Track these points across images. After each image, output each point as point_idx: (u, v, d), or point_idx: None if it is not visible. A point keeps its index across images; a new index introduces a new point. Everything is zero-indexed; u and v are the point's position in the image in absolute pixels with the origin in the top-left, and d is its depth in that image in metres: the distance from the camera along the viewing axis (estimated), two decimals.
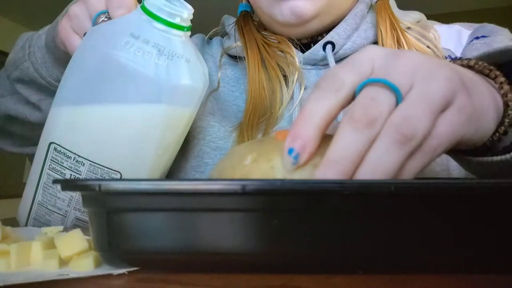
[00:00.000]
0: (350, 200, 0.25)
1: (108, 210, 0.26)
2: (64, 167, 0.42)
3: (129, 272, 0.27)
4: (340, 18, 0.59)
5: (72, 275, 0.26)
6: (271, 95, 0.56)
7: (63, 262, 0.29)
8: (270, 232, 0.25)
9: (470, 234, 0.25)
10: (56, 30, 0.50)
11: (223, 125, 0.59)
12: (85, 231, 0.30)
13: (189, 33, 0.45)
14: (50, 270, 0.28)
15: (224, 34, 0.69)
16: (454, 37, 0.62)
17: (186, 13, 0.43)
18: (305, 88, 0.57)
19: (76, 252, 0.29)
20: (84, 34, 0.45)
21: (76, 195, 0.43)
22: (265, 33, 0.62)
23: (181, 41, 0.43)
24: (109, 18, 0.44)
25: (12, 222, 0.45)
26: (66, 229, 0.39)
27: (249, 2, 0.64)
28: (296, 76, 0.56)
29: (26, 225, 0.45)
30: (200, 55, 0.47)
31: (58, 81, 0.49)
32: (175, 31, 0.42)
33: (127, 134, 0.41)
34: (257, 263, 0.26)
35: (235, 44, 0.62)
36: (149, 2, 0.42)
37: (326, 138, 0.29)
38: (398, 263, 0.26)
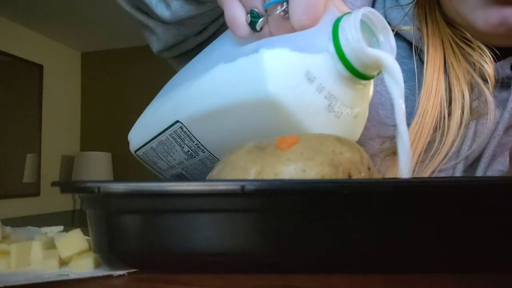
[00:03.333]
0: (350, 200, 0.25)
1: (107, 212, 0.26)
2: (185, 144, 0.39)
3: (128, 272, 0.27)
4: None
5: (72, 276, 0.26)
6: (444, 118, 0.43)
7: (63, 262, 0.29)
8: (270, 232, 0.25)
9: (471, 233, 0.25)
10: None
11: (365, 126, 0.46)
12: (85, 231, 0.30)
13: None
14: (50, 270, 0.28)
15: None
16: None
17: (388, 62, 0.32)
18: (479, 123, 0.43)
19: (76, 252, 0.29)
20: (249, 12, 0.35)
21: (191, 162, 0.41)
22: (456, 29, 0.46)
23: (360, 91, 0.34)
24: (286, 12, 0.33)
25: (12, 222, 0.45)
26: (66, 229, 0.39)
27: None
28: (486, 107, 0.42)
29: (135, 152, 0.45)
30: (371, 91, 0.36)
31: None
32: (360, 81, 0.32)
33: (256, 131, 0.35)
34: (257, 263, 0.26)
35: (411, 27, 0.47)
36: (345, 34, 0.30)
37: (313, 135, 0.29)
38: (398, 263, 0.26)
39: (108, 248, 0.26)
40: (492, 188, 0.25)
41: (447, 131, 0.43)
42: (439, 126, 0.43)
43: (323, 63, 0.31)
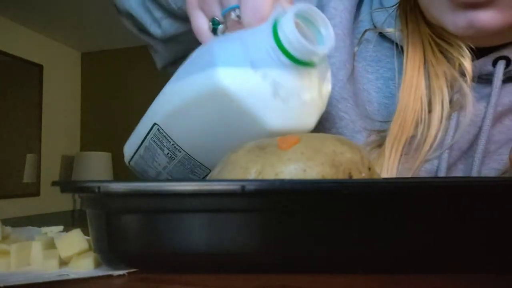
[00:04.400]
0: (350, 200, 0.25)
1: (107, 212, 0.26)
2: (164, 146, 0.42)
3: (128, 272, 0.27)
4: None
5: (72, 276, 0.26)
6: (425, 112, 0.46)
7: (63, 262, 0.29)
8: (270, 232, 0.25)
9: (471, 234, 0.25)
10: None
11: (352, 120, 0.50)
12: (85, 231, 0.30)
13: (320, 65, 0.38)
14: (50, 270, 0.28)
15: None
16: None
17: (324, 51, 0.35)
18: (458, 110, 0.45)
19: (76, 252, 0.29)
20: (211, 21, 0.40)
21: (172, 165, 0.43)
22: (435, 29, 0.49)
23: (306, 79, 0.37)
24: (239, 17, 0.38)
25: (12, 222, 0.45)
26: (66, 229, 0.39)
27: None
28: (465, 99, 0.45)
29: (129, 162, 0.48)
30: (327, 85, 0.40)
31: (181, 9, 0.46)
32: (302, 68, 0.36)
33: (225, 130, 0.38)
34: (257, 263, 0.26)
35: (393, 30, 0.50)
36: (282, 28, 0.35)
37: (314, 135, 0.29)
38: (398, 263, 0.26)
39: (108, 248, 0.26)
40: (492, 189, 0.25)
41: (429, 125, 0.45)
42: (421, 120, 0.46)
43: (266, 53, 0.35)
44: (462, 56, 0.46)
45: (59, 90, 3.39)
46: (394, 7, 0.51)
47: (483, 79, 0.47)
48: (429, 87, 0.46)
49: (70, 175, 3.28)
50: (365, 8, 0.55)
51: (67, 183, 0.28)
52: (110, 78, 3.51)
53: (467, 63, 0.45)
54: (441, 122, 0.45)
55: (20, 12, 2.87)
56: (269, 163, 0.28)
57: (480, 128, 0.45)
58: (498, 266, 0.26)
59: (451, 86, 0.46)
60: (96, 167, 3.13)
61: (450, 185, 0.25)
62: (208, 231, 0.25)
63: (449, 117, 0.46)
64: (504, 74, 0.46)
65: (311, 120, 0.39)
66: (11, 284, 0.25)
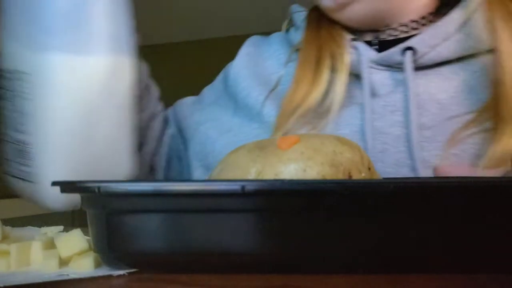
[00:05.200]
0: (350, 200, 0.25)
1: (107, 211, 0.26)
2: (17, 91, 0.41)
3: (129, 272, 0.27)
4: (409, 10, 0.53)
5: (72, 276, 0.26)
6: (315, 86, 0.52)
7: (63, 262, 0.29)
8: (270, 232, 0.25)
9: (471, 234, 0.25)
10: None
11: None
12: (85, 231, 0.30)
13: None
14: (50, 270, 0.28)
15: (289, 25, 0.63)
16: None
17: None
18: (375, 95, 0.51)
19: (76, 252, 0.29)
20: None
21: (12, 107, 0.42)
22: (332, 22, 0.56)
23: None
24: None
25: (12, 222, 0.45)
26: (66, 229, 0.39)
27: None
28: (343, 74, 0.51)
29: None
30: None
31: None
32: None
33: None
34: (257, 263, 0.26)
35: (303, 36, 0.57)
36: None
37: (314, 135, 0.30)
38: (398, 263, 0.26)
39: (108, 248, 0.26)
40: (494, 189, 0.25)
41: (307, 101, 0.51)
42: (307, 95, 0.51)
43: None
44: (342, 39, 0.53)
45: None
46: (303, 18, 0.58)
47: (396, 68, 0.52)
48: (318, 65, 0.52)
49: None
50: (275, 38, 0.62)
51: (67, 183, 0.28)
52: None
53: (342, 49, 0.52)
54: (329, 94, 0.51)
55: None
56: (269, 163, 0.28)
57: (406, 114, 0.48)
58: (498, 267, 0.26)
59: (338, 67, 0.51)
60: None
61: (450, 185, 0.25)
62: (208, 231, 0.25)
63: (359, 104, 0.51)
64: (413, 62, 0.51)
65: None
66: (11, 284, 0.25)
